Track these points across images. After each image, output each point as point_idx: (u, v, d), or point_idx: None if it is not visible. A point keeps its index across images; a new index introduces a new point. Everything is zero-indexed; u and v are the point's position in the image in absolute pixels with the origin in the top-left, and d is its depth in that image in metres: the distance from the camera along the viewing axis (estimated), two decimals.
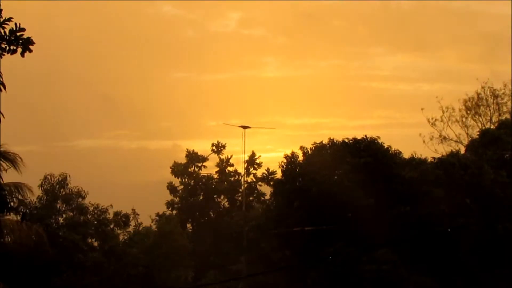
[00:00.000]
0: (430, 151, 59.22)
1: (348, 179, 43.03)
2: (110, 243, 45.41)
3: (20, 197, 36.90)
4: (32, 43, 12.48)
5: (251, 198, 56.42)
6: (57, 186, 45.45)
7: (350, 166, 43.48)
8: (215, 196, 57.04)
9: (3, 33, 12.41)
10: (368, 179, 42.54)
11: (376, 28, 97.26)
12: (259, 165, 55.90)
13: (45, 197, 44.99)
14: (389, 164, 43.93)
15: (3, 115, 12.72)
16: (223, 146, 56.52)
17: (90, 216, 46.37)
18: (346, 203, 42.00)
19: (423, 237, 37.15)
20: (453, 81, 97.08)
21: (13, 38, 12.50)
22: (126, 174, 79.85)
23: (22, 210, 41.08)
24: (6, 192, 30.56)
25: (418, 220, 40.94)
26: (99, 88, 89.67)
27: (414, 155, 45.79)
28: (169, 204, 56.23)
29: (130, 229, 48.19)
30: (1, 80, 12.45)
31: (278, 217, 44.83)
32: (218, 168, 56.96)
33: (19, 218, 37.44)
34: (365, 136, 44.91)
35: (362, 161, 43.09)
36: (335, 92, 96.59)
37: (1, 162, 33.74)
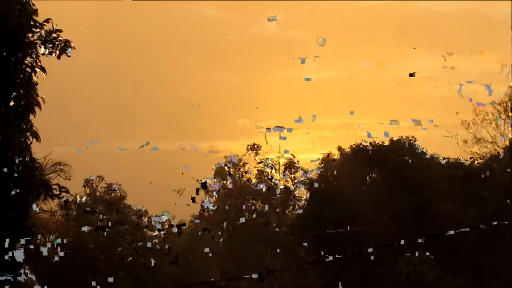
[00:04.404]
0: (465, 153, 58.67)
1: (383, 181, 43.16)
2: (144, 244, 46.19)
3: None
4: (69, 46, 12.55)
5: (289, 203, 56.65)
6: (103, 190, 46.45)
7: (386, 168, 43.58)
8: (250, 198, 57.29)
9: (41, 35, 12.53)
10: (404, 181, 42.61)
11: (415, 29, 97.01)
12: (297, 169, 55.95)
13: (88, 199, 45.97)
14: (426, 165, 43.94)
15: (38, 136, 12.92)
16: (259, 147, 56.88)
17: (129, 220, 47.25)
18: (380, 205, 42.09)
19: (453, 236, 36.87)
20: (492, 83, 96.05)
21: (50, 38, 12.68)
22: (163, 176, 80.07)
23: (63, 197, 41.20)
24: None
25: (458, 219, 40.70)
26: (138, 89, 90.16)
27: (456, 157, 45.76)
28: (203, 206, 56.65)
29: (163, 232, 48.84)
30: (37, 99, 12.53)
31: (313, 219, 44.89)
32: (255, 171, 57.28)
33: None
34: (401, 137, 45.04)
35: (401, 161, 43.18)
36: (373, 93, 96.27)
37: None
